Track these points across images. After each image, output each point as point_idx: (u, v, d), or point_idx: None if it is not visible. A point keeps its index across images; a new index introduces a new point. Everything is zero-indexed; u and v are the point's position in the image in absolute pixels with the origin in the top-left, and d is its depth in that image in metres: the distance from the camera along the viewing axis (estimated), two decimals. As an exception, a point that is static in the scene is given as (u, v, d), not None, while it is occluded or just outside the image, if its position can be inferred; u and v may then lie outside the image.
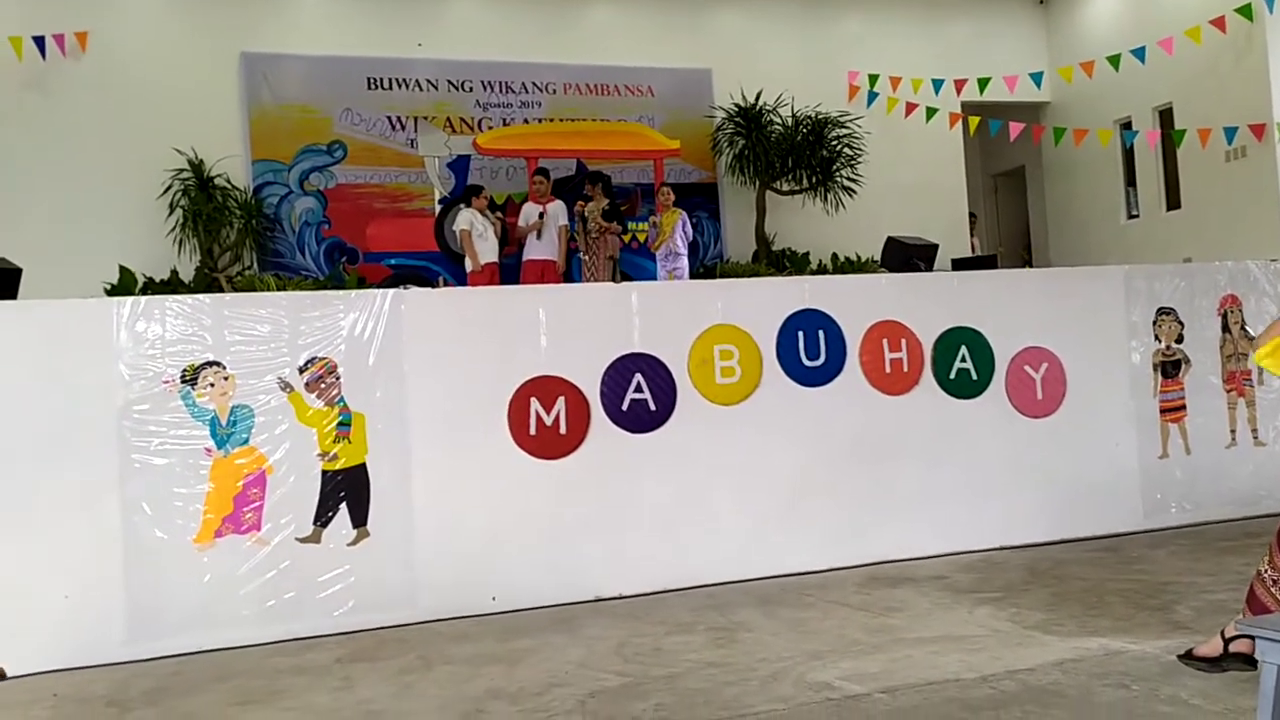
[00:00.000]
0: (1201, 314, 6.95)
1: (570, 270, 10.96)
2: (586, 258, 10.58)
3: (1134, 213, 13.83)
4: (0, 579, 4.70)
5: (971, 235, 14.01)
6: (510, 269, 10.68)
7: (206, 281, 10.48)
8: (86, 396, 4.91)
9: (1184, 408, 6.83)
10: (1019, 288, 6.82)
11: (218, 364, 5.08)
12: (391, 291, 5.53)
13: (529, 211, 10.48)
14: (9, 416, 4.80)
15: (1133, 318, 6.78)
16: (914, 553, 6.02)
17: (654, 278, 10.72)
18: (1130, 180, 13.82)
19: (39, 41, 10.25)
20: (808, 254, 12.79)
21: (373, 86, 11.65)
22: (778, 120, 12.47)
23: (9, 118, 10.33)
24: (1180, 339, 6.85)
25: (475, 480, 5.45)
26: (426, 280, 10.92)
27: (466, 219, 10.27)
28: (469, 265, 10.26)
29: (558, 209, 10.57)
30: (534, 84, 12.24)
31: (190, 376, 5.03)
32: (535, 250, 10.37)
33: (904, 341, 6.28)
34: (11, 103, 10.36)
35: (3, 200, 10.15)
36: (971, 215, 14.32)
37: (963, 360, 6.37)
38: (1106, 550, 6.05)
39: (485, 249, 10.24)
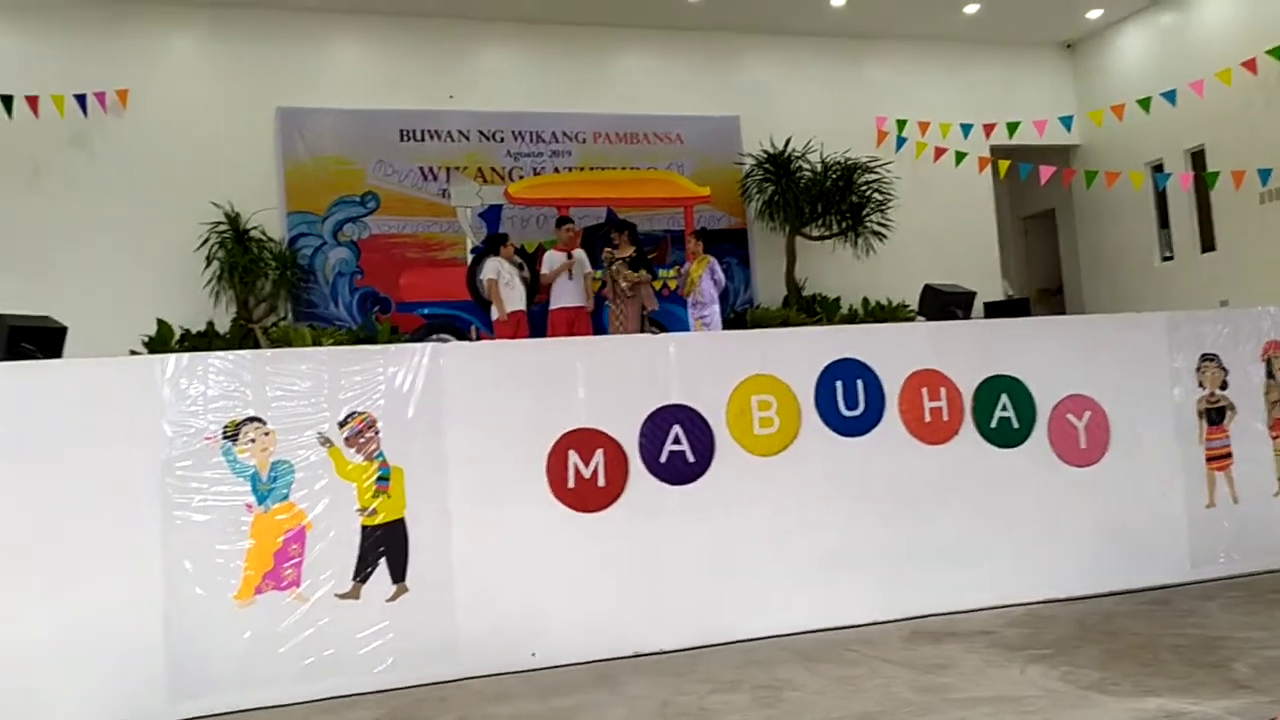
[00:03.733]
0: (1245, 360, 6.85)
1: (600, 318, 10.99)
2: (614, 307, 10.59)
3: (1168, 255, 13.73)
4: (44, 636, 4.70)
5: (1003, 278, 13.96)
6: (537, 317, 10.73)
7: (242, 333, 10.57)
8: (130, 453, 4.92)
9: (1230, 455, 6.71)
10: (1059, 335, 6.75)
11: (259, 420, 5.09)
12: (430, 345, 5.54)
13: (554, 259, 10.51)
14: (54, 473, 4.82)
15: (1176, 364, 6.69)
16: (958, 606, 5.91)
17: (686, 326, 10.72)
18: (1163, 222, 13.75)
19: (81, 99, 10.45)
20: (839, 299, 12.78)
21: (405, 138, 11.79)
22: (807, 166, 12.51)
23: (52, 173, 10.51)
24: (1224, 385, 6.75)
25: (514, 534, 5.42)
26: (459, 329, 10.97)
27: (494, 268, 10.34)
28: (495, 314, 10.30)
29: (583, 256, 10.62)
30: (564, 133, 12.35)
31: (232, 432, 5.04)
32: (563, 298, 10.40)
33: (943, 390, 6.22)
34: (54, 158, 10.55)
35: (45, 253, 10.31)
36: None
37: (1004, 409, 6.29)
38: (1156, 603, 5.92)
39: (512, 297, 10.29)
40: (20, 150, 10.35)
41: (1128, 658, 4.74)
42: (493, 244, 10.78)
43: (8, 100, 9.99)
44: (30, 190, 10.46)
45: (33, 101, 10.15)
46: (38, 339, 5.56)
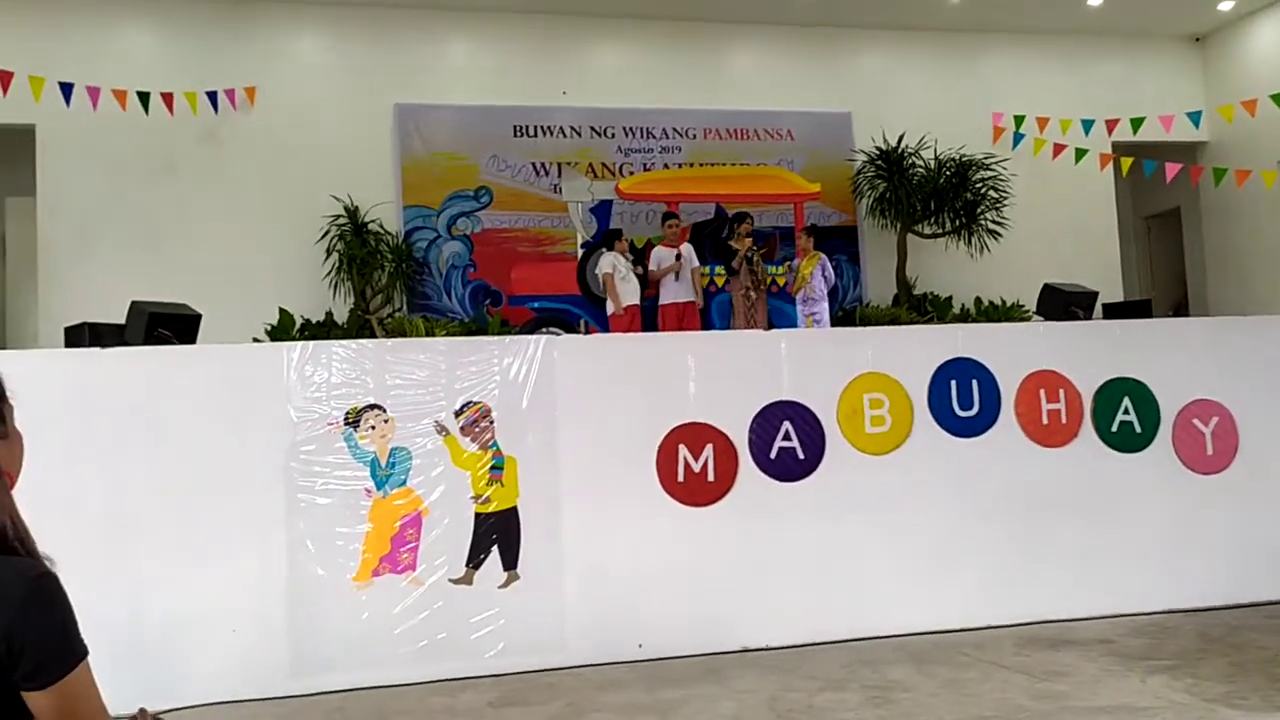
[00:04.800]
0: (1386, 366, 6.53)
1: (709, 313, 10.99)
2: (748, 299, 10.52)
3: (1301, 257, 13.12)
4: (172, 611, 4.92)
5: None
6: (648, 312, 10.76)
7: (359, 323, 10.85)
8: (257, 437, 5.12)
9: (1368, 465, 6.40)
10: (1185, 337, 6.53)
11: (379, 407, 5.24)
12: (545, 337, 5.63)
13: (662, 255, 10.53)
14: (187, 454, 5.04)
15: (1310, 369, 6.41)
16: (1074, 614, 5.77)
17: (794, 322, 10.65)
18: (1297, 222, 13.14)
19: (212, 96, 10.84)
20: (950, 298, 12.53)
21: (518, 134, 11.94)
22: (920, 163, 12.29)
23: (185, 167, 10.94)
24: (1363, 392, 6.44)
25: (623, 526, 5.47)
26: (568, 323, 11.08)
27: (610, 262, 10.42)
28: (610, 308, 10.38)
29: (691, 251, 10.61)
30: (674, 129, 12.35)
31: (353, 419, 5.20)
32: (672, 293, 10.43)
33: (1062, 392, 6.07)
34: (187, 153, 10.97)
35: (178, 243, 10.74)
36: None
37: (1125, 413, 6.11)
38: (1286, 617, 5.69)
39: (627, 291, 10.37)
40: (156, 145, 10.80)
41: (1256, 671, 4.57)
42: (607, 239, 10.86)
43: (144, 97, 10.43)
44: (165, 184, 10.91)
45: (168, 99, 10.58)
46: (174, 325, 5.81)
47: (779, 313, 11.32)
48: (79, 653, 1.59)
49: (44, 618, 1.56)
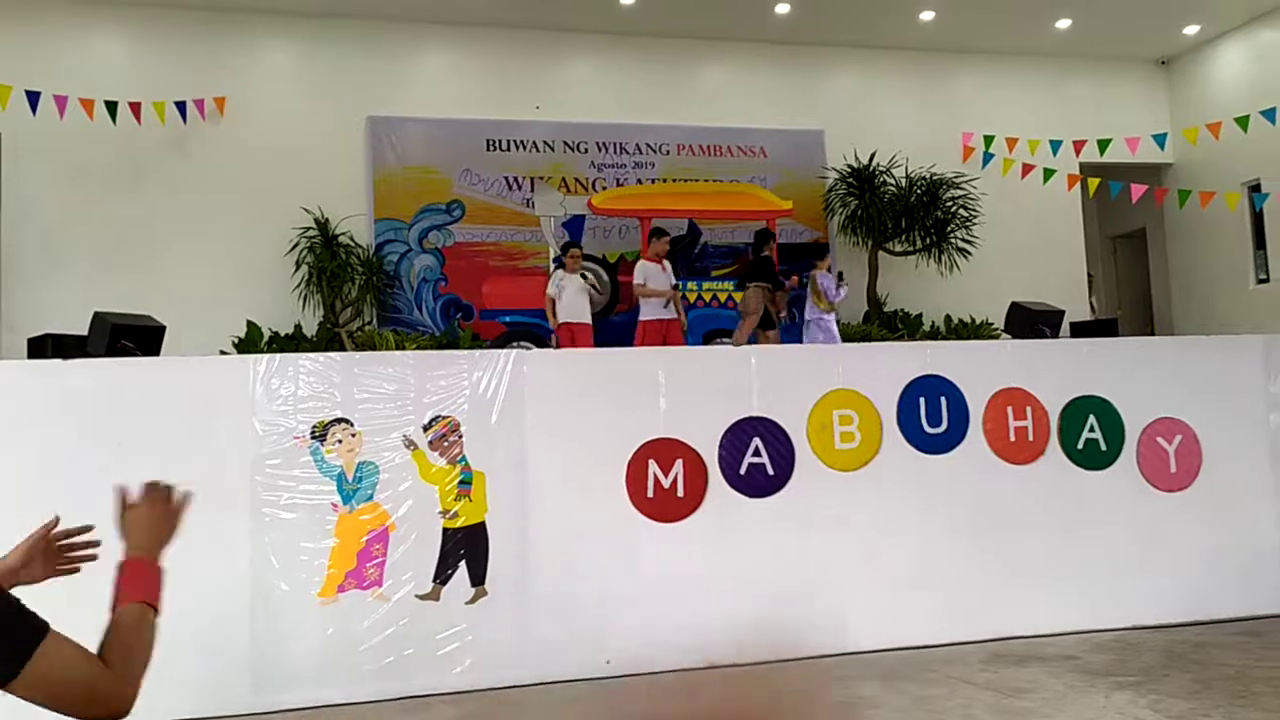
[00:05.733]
0: (1347, 386, 6.61)
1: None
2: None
3: (1263, 277, 13.31)
4: (135, 626, 4.84)
5: (1090, 296, 13.65)
6: (620, 326, 10.76)
7: (328, 336, 10.79)
8: (222, 450, 5.06)
9: (1329, 484, 6.48)
10: (1150, 356, 6.59)
11: (346, 421, 5.20)
12: (514, 351, 5.61)
13: (650, 271, 10.15)
14: (150, 467, 4.96)
15: (1272, 389, 6.49)
16: (1040, 630, 5.79)
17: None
18: (1260, 244, 13.33)
19: (181, 106, 10.78)
20: (920, 315, 12.63)
21: (491, 148, 11.95)
22: (891, 181, 12.40)
23: (152, 177, 10.86)
24: (1324, 412, 6.52)
25: (592, 541, 5.45)
26: (540, 337, 11.06)
27: (554, 283, 10.03)
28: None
29: (670, 268, 10.54)
30: (648, 145, 12.40)
31: (320, 433, 5.15)
32: (655, 310, 10.10)
33: (1029, 409, 6.11)
34: (155, 164, 10.90)
35: (144, 254, 10.65)
36: (1089, 275, 13.98)
37: (1091, 430, 6.16)
38: (1248, 634, 5.73)
39: (572, 309, 9.90)
40: (123, 155, 10.72)
41: (1218, 689, 4.60)
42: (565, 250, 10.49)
43: (112, 106, 10.36)
44: (132, 194, 10.83)
45: (135, 108, 10.51)
46: (137, 337, 5.75)
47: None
48: (38, 628, 1.61)
49: None
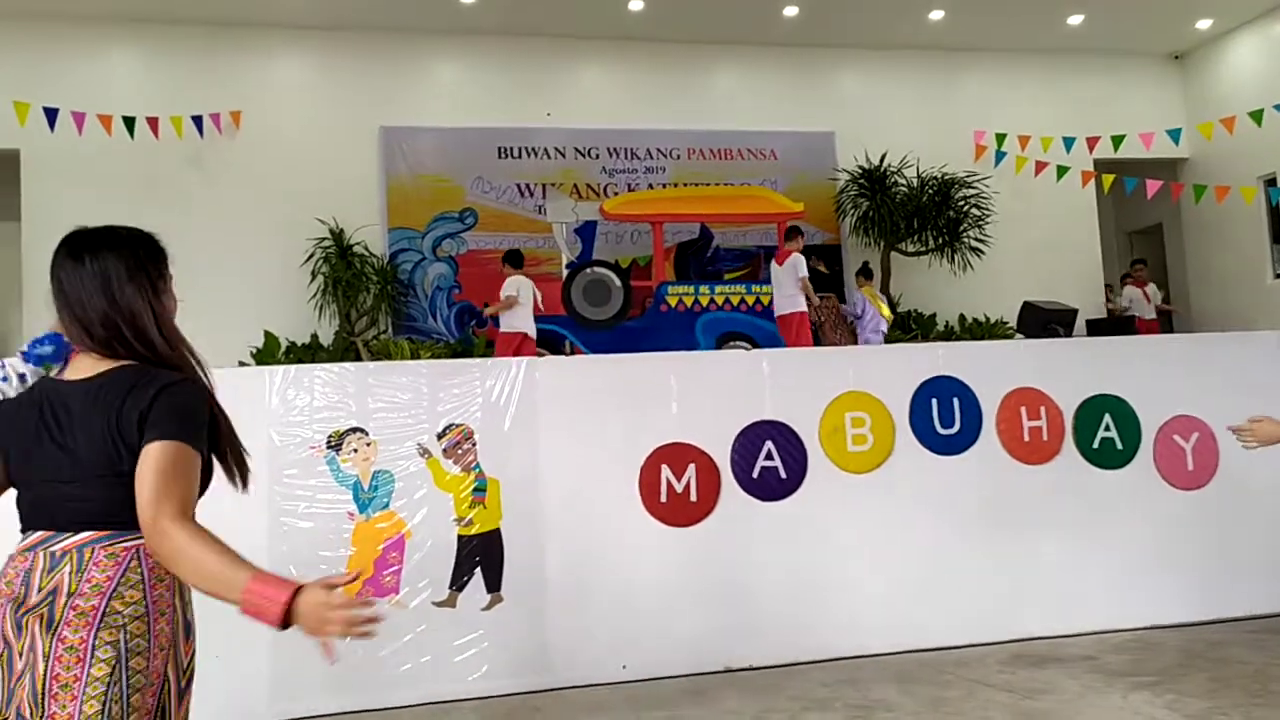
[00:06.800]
0: (1364, 381, 6.57)
1: (693, 330, 11.02)
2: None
3: (1281, 272, 13.24)
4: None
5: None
6: (635, 333, 10.80)
7: (344, 345, 10.85)
8: (239, 461, 5.10)
9: (1348, 480, 6.44)
10: (1165, 354, 6.57)
11: (361, 430, 5.24)
12: (526, 359, 5.64)
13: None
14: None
15: (1289, 385, 6.45)
16: (1058, 630, 5.78)
17: (778, 341, 10.64)
18: (1277, 238, 13.25)
19: (197, 120, 10.88)
20: (934, 315, 12.60)
21: (503, 155, 12.00)
22: (902, 181, 12.38)
23: (169, 191, 10.95)
24: (1342, 407, 6.48)
25: (606, 547, 5.47)
26: (553, 343, 11.09)
27: (514, 285, 9.93)
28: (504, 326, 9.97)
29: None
30: (658, 150, 12.43)
31: (335, 442, 5.20)
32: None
33: (1043, 409, 6.10)
34: (172, 177, 10.99)
35: (161, 269, 10.73)
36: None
37: (1106, 429, 6.15)
38: (1267, 632, 5.71)
39: (526, 319, 9.87)
40: (140, 169, 10.81)
41: (1236, 688, 4.58)
42: (515, 259, 10.29)
43: (130, 121, 10.46)
44: (149, 207, 10.85)
45: (153, 123, 10.61)
46: (155, 350, 5.80)
47: (762, 331, 11.33)
48: (184, 436, 2.04)
49: (165, 403, 2.05)
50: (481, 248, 11.80)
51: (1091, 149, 13.09)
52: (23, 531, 2.09)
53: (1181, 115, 14.08)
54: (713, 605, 5.51)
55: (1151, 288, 13.06)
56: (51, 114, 10.12)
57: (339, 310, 11.06)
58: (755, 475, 5.67)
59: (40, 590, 1.98)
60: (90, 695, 1.95)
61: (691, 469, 5.58)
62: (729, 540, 5.59)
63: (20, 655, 1.97)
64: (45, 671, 1.93)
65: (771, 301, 10.93)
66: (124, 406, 2.04)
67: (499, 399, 5.43)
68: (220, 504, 4.99)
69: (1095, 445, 6.11)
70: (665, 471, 5.56)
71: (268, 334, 10.53)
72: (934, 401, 5.95)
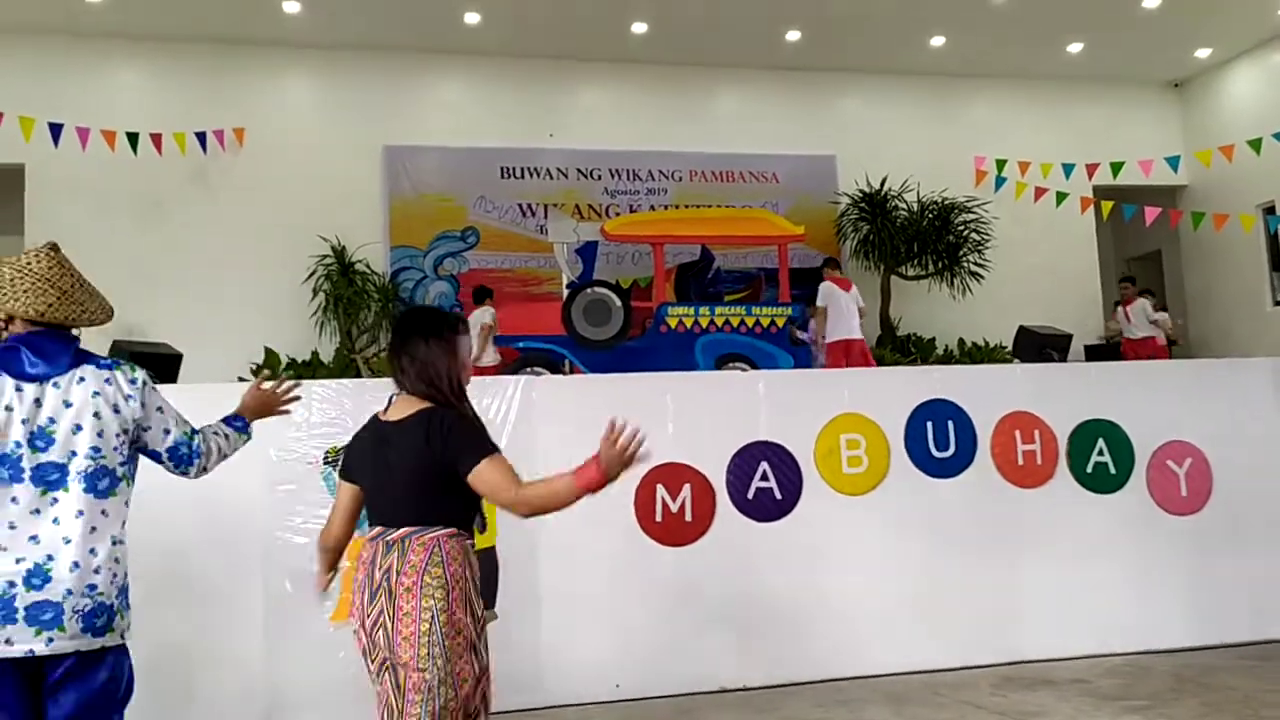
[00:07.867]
0: (1359, 409, 6.60)
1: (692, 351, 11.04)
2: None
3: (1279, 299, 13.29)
4: (149, 651, 4.90)
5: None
6: (635, 353, 10.82)
7: (345, 362, 10.90)
8: (236, 476, 5.11)
9: (1341, 507, 6.46)
10: (1160, 379, 6.60)
11: (358, 446, 5.26)
12: (523, 378, 5.68)
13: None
14: (167, 496, 5.05)
15: (1283, 412, 6.48)
16: (1050, 654, 5.79)
17: (776, 363, 10.65)
18: (1276, 265, 13.31)
19: (201, 137, 10.96)
20: (934, 339, 12.65)
21: (506, 175, 12.09)
22: (903, 205, 12.45)
23: (172, 207, 11.03)
24: (1336, 434, 6.51)
25: (601, 566, 5.49)
26: (553, 363, 11.12)
27: (492, 316, 10.07)
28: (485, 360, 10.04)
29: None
30: (660, 171, 12.51)
31: (333, 458, 5.22)
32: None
33: (1037, 433, 6.13)
34: (175, 194, 11.07)
35: (165, 284, 10.79)
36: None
37: (1100, 454, 6.17)
38: (1258, 659, 5.71)
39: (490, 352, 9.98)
40: (144, 185, 10.90)
41: (1227, 713, 4.60)
42: (480, 296, 10.51)
43: (133, 138, 10.54)
44: (152, 223, 11.00)
45: (156, 139, 10.69)
46: (153, 364, 5.85)
47: (761, 353, 11.35)
48: (487, 450, 2.81)
49: (458, 435, 2.81)
50: (483, 267, 11.87)
51: (1091, 175, 13.15)
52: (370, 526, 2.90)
53: (1180, 143, 14.17)
54: (707, 625, 5.52)
55: (1141, 303, 12.53)
56: (56, 129, 10.20)
57: (340, 327, 11.12)
58: (750, 496, 5.69)
59: (380, 568, 2.79)
60: (422, 642, 2.72)
61: (687, 489, 5.61)
62: (723, 560, 5.60)
63: (374, 615, 2.79)
64: (391, 628, 2.73)
65: (771, 324, 10.95)
66: (430, 437, 2.81)
67: (496, 417, 5.46)
68: (216, 520, 5.02)
69: (1089, 470, 6.13)
70: (661, 491, 5.58)
71: (268, 350, 10.58)
72: (929, 424, 5.98)
